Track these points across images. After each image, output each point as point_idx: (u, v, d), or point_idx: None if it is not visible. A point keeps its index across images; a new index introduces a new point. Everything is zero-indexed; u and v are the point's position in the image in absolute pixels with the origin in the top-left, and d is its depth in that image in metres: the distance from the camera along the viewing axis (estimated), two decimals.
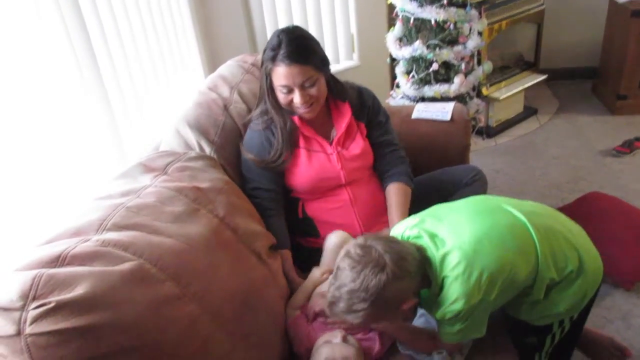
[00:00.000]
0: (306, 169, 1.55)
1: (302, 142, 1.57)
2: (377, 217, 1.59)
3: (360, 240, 1.12)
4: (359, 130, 1.62)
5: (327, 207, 1.59)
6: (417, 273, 1.09)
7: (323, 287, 1.37)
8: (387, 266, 1.05)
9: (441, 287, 1.11)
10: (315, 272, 1.43)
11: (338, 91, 1.60)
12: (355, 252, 1.08)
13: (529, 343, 1.30)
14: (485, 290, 1.08)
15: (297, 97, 1.47)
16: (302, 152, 1.56)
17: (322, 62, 1.50)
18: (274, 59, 1.44)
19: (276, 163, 1.53)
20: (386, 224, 1.56)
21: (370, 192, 1.62)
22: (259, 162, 1.54)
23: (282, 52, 1.42)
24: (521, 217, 1.17)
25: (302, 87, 1.46)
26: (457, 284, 1.08)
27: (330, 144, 1.58)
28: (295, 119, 1.54)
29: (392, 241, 1.13)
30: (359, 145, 1.60)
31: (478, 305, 1.09)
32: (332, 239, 1.48)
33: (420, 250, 1.13)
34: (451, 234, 1.13)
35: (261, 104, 1.57)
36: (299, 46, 1.44)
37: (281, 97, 1.50)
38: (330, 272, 1.28)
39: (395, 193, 1.59)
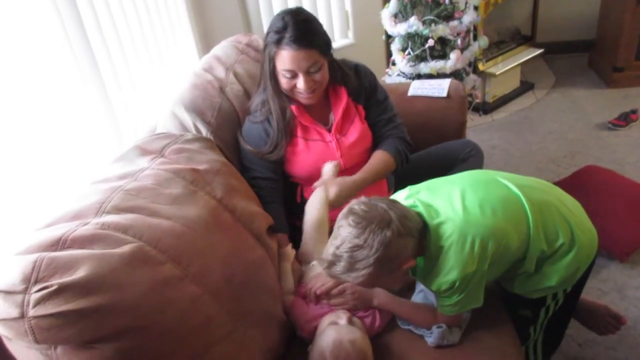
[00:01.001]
0: (305, 158, 1.54)
1: (300, 132, 1.55)
2: None
3: (363, 199, 1.11)
4: (358, 113, 1.60)
5: None
6: (417, 234, 1.10)
7: (317, 269, 1.38)
8: (392, 222, 1.04)
9: (436, 258, 1.11)
10: (288, 250, 1.43)
11: (339, 76, 1.56)
12: (360, 208, 1.07)
13: (524, 316, 1.31)
14: (478, 259, 1.09)
15: (301, 83, 1.43)
16: (301, 142, 1.54)
17: (326, 47, 1.46)
18: (278, 43, 1.39)
19: (272, 154, 1.52)
20: None
21: None
22: (256, 153, 1.53)
23: (288, 35, 1.38)
24: (515, 189, 1.18)
25: (307, 73, 1.43)
26: (451, 253, 1.09)
27: (329, 130, 1.56)
28: (293, 108, 1.51)
29: (395, 201, 1.13)
30: (357, 128, 1.58)
31: (473, 276, 1.10)
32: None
33: (420, 216, 1.13)
34: (445, 205, 1.14)
35: (260, 90, 1.54)
36: (306, 30, 1.40)
37: (284, 81, 1.46)
38: None
39: (371, 158, 1.57)
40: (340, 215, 1.10)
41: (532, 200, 1.17)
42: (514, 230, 1.13)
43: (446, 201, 1.15)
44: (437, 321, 1.22)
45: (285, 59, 1.40)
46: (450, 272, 1.09)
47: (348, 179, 1.47)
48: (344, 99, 1.56)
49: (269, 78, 1.48)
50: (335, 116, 1.56)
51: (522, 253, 1.16)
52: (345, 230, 1.06)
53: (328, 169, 1.51)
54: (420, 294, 1.34)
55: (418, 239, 1.10)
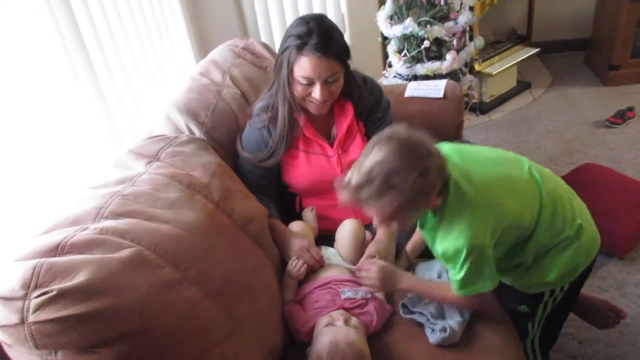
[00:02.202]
0: (305, 171, 1.53)
1: (301, 144, 1.52)
2: None
3: (403, 127, 1.07)
4: (359, 130, 1.57)
5: (325, 204, 1.56)
6: (444, 180, 1.07)
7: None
8: (434, 155, 1.02)
9: (448, 216, 1.09)
10: (291, 265, 1.38)
11: (349, 90, 1.52)
12: (403, 134, 1.03)
13: (521, 311, 1.32)
14: (491, 231, 1.08)
15: (316, 92, 1.39)
16: (301, 155, 1.52)
17: (346, 57, 1.43)
18: (301, 48, 1.34)
19: (268, 161, 1.49)
20: None
21: None
22: (252, 159, 1.51)
23: (312, 42, 1.33)
24: (537, 175, 1.19)
25: (325, 82, 1.39)
26: (465, 218, 1.07)
27: (331, 145, 1.53)
28: (300, 118, 1.49)
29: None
30: (358, 146, 1.54)
31: (480, 250, 1.08)
32: (346, 227, 1.47)
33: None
34: (463, 175, 1.10)
35: (270, 93, 1.50)
36: (331, 38, 1.35)
37: (299, 88, 1.41)
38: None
39: None
40: (377, 138, 1.04)
41: (548, 188, 1.18)
42: (526, 212, 1.14)
43: (465, 172, 1.11)
44: (453, 299, 1.19)
45: (306, 65, 1.36)
46: (459, 237, 1.07)
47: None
48: (349, 114, 1.53)
49: (283, 83, 1.43)
50: (339, 131, 1.53)
51: (530, 232, 1.16)
52: (384, 151, 0.98)
53: (311, 217, 1.55)
54: (439, 277, 1.33)
55: (442, 185, 1.07)
